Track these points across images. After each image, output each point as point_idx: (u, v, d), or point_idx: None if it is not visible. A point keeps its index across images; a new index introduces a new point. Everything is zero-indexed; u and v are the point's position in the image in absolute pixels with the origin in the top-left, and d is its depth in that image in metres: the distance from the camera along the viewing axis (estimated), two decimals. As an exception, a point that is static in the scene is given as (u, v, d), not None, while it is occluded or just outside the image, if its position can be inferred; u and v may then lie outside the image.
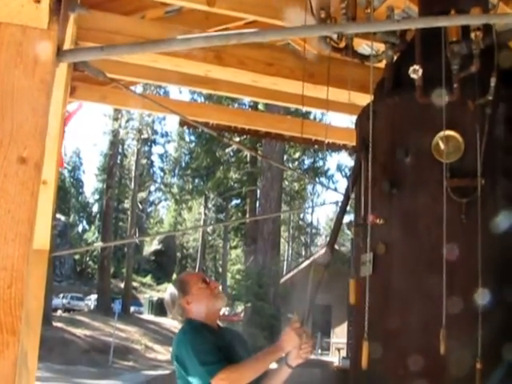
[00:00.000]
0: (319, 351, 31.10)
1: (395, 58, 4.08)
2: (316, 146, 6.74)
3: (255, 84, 5.32)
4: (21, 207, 1.45)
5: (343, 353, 21.77)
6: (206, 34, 1.64)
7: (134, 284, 58.51)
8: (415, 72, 3.53)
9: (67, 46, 2.30)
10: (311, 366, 5.95)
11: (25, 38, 1.47)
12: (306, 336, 3.65)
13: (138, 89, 17.30)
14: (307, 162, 41.91)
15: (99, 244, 52.47)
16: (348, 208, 4.93)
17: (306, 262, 28.48)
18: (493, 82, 3.42)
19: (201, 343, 3.53)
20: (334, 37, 4.23)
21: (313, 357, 22.57)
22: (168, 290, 3.91)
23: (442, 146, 3.57)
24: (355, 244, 4.38)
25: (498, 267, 3.51)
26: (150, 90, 30.57)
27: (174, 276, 67.21)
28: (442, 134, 3.54)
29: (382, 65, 4.21)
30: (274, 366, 3.60)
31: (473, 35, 3.41)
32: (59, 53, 1.55)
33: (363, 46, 5.20)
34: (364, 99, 4.56)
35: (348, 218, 4.60)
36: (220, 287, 3.89)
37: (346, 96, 5.06)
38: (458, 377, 3.34)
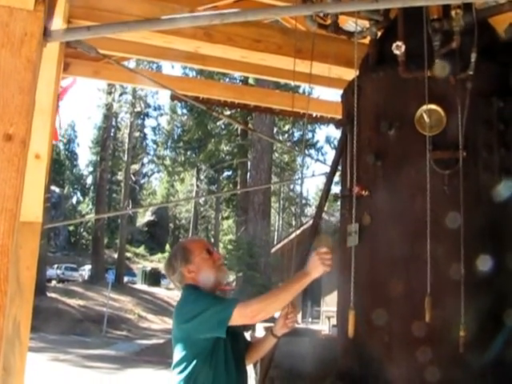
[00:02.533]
0: (309, 320, 31.28)
1: (379, 34, 4.09)
2: (304, 119, 6.74)
3: (244, 60, 5.33)
4: (6, 183, 1.46)
5: (333, 321, 21.91)
6: (191, 14, 1.66)
7: (128, 254, 58.62)
8: (398, 48, 3.55)
9: (59, 24, 2.30)
10: (300, 334, 6.00)
11: (11, 19, 1.48)
12: (292, 306, 3.68)
13: (131, 64, 17.20)
14: (297, 134, 41.87)
15: (92, 216, 52.43)
16: (336, 179, 4.97)
17: (296, 232, 28.54)
18: (473, 57, 3.44)
19: (208, 295, 3.53)
20: (321, 14, 4.24)
21: (303, 325, 22.73)
22: (169, 255, 3.83)
23: (424, 119, 3.59)
24: (342, 215, 4.42)
25: (479, 236, 3.55)
26: (142, 66, 30.43)
27: (167, 247, 67.41)
28: (424, 107, 3.57)
29: (367, 41, 4.23)
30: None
31: (453, 13, 3.43)
32: (46, 33, 1.56)
33: (349, 23, 5.20)
34: (350, 74, 4.58)
35: (337, 188, 4.63)
36: (222, 259, 3.81)
37: (333, 71, 5.08)
38: (443, 343, 3.40)
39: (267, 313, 3.34)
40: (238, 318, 3.29)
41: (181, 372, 3.45)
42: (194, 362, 3.40)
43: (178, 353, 3.48)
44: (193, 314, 3.37)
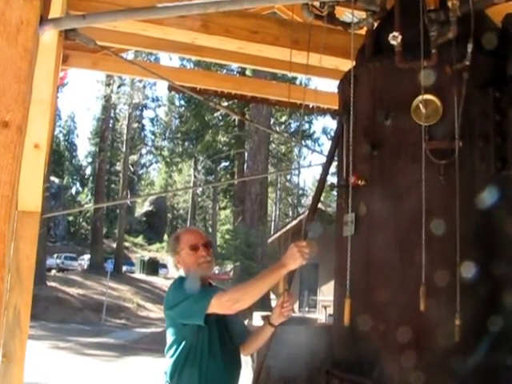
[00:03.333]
0: (306, 309, 31.32)
1: (376, 25, 4.07)
2: (301, 109, 6.73)
3: (241, 51, 5.31)
4: (3, 170, 1.44)
5: (329, 310, 21.96)
6: (186, 3, 1.64)
7: (126, 244, 58.67)
8: (395, 38, 3.53)
9: (57, 14, 2.28)
10: (296, 323, 6.01)
11: (7, 8, 1.46)
12: (288, 295, 3.68)
13: (130, 55, 17.17)
14: (293, 125, 41.82)
15: (91, 205, 52.46)
16: (333, 170, 4.95)
17: (293, 223, 28.53)
18: (469, 47, 3.42)
19: (194, 284, 3.54)
20: (317, 5, 4.22)
21: (299, 314, 22.77)
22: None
23: (421, 109, 3.57)
24: (338, 205, 4.41)
25: (474, 226, 3.54)
26: (141, 57, 30.40)
27: (165, 236, 67.47)
28: (420, 97, 3.55)
29: (364, 32, 4.21)
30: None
31: (450, 3, 3.41)
32: (42, 21, 1.54)
33: (346, 14, 5.18)
34: (346, 65, 4.56)
35: (333, 179, 4.62)
36: (208, 256, 3.77)
37: (329, 62, 5.06)
38: (437, 332, 3.39)
39: (244, 302, 3.36)
40: (215, 307, 3.35)
41: (171, 356, 3.55)
42: (181, 346, 3.51)
43: (169, 338, 3.60)
44: (175, 301, 3.48)
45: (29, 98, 1.52)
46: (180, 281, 3.65)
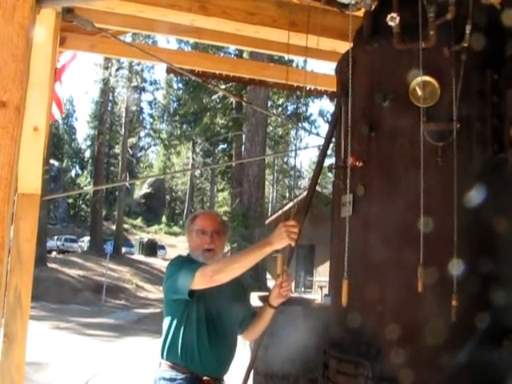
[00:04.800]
0: (302, 289, 31.43)
1: (373, 6, 4.02)
2: (298, 92, 6.72)
3: (238, 33, 5.26)
4: (1, 151, 1.41)
5: (325, 291, 22.03)
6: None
7: (125, 226, 58.80)
8: (393, 20, 3.49)
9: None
10: (293, 303, 6.01)
11: (3, -15, 1.42)
12: (287, 276, 3.67)
13: (128, 38, 17.06)
14: (290, 107, 41.77)
15: (91, 187, 52.45)
16: (329, 152, 4.93)
17: (290, 204, 28.55)
18: (468, 29, 3.38)
19: (189, 261, 3.66)
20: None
21: (295, 295, 22.85)
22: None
23: (418, 91, 3.54)
24: (336, 186, 4.38)
25: (471, 206, 3.52)
26: (138, 40, 30.25)
27: (164, 218, 67.57)
28: (418, 79, 3.51)
29: (361, 13, 4.16)
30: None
31: (448, -16, 3.37)
32: (39, -1, 1.51)
33: (344, -4, 5.13)
34: (344, 47, 4.52)
35: (329, 161, 4.58)
36: (213, 244, 3.77)
37: (327, 44, 5.02)
38: (434, 313, 3.38)
39: (225, 274, 3.37)
40: (198, 279, 3.37)
41: (165, 335, 3.62)
42: (169, 323, 3.59)
43: (164, 312, 3.71)
44: (166, 276, 3.61)
45: (26, 78, 1.49)
46: (177, 258, 3.78)
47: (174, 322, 3.57)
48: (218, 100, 37.87)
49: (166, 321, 3.64)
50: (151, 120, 64.55)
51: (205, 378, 3.52)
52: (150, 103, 64.89)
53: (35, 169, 3.71)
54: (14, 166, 1.45)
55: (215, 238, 3.77)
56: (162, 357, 3.59)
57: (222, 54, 28.70)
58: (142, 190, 71.55)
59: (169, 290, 3.59)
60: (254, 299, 5.92)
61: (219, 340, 3.61)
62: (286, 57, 5.56)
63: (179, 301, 3.53)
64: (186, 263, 3.60)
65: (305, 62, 4.77)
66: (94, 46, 6.09)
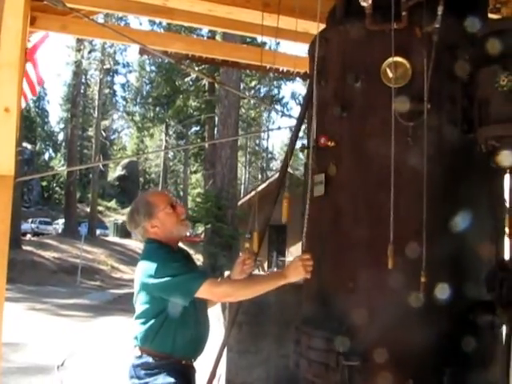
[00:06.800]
0: (275, 269, 31.51)
1: (346, -14, 3.99)
2: (271, 74, 6.69)
3: (211, 13, 5.21)
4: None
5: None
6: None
7: (100, 208, 58.47)
8: (365, 0, 3.47)
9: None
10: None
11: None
12: (250, 253, 3.67)
13: (100, 20, 16.85)
14: (263, 90, 41.69)
15: (65, 168, 52.02)
16: (302, 134, 4.91)
17: (262, 186, 28.56)
18: (440, 10, 3.37)
19: (173, 258, 3.45)
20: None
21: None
22: (131, 208, 3.70)
23: (390, 71, 3.53)
24: (308, 166, 4.37)
25: (441, 186, 3.53)
26: (111, 22, 29.94)
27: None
28: (390, 60, 3.50)
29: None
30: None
31: (420, -35, 3.35)
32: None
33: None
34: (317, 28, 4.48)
35: (301, 142, 4.57)
36: (185, 212, 3.72)
37: (299, 25, 4.98)
38: (403, 289, 3.39)
39: (235, 298, 3.44)
40: (205, 293, 3.26)
41: (144, 323, 3.44)
42: (156, 315, 3.39)
43: (142, 304, 3.46)
44: (160, 274, 3.29)
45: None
46: (158, 248, 3.51)
47: (162, 316, 3.37)
48: (190, 82, 37.74)
49: (150, 312, 3.41)
50: (124, 102, 64.28)
51: (183, 361, 3.47)
52: (122, 86, 64.82)
53: (8, 150, 3.63)
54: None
55: (181, 206, 3.70)
56: (143, 345, 3.44)
57: (194, 36, 28.51)
58: (115, 172, 71.07)
59: (162, 290, 3.31)
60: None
61: (200, 323, 3.55)
62: (260, 38, 5.50)
63: (160, 299, 3.38)
64: (173, 260, 3.42)
65: (277, 43, 4.74)
66: (66, 26, 5.97)
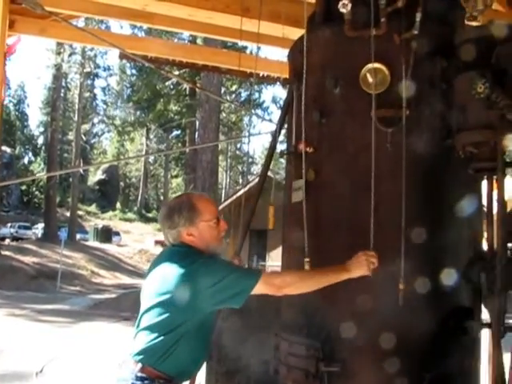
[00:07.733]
0: (256, 273, 31.47)
1: (326, -8, 4.00)
2: (251, 78, 6.69)
3: (191, 18, 5.21)
4: None
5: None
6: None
7: (80, 213, 58.18)
8: (344, 6, 3.48)
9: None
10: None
11: None
12: (236, 258, 3.64)
13: (81, 23, 16.79)
14: (244, 94, 41.77)
15: (44, 173, 51.69)
16: (282, 138, 4.92)
17: (243, 190, 28.56)
18: (418, 17, 3.40)
19: (221, 260, 3.27)
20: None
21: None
22: (172, 206, 3.30)
23: (369, 77, 3.54)
24: (287, 171, 4.38)
25: (420, 189, 3.55)
26: (91, 25, 29.85)
27: (118, 205, 67.00)
28: (369, 66, 3.51)
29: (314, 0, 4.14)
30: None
31: (399, -28, 3.38)
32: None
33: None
34: (297, 33, 4.50)
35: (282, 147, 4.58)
36: (226, 230, 3.40)
37: (279, 31, 5.00)
38: (383, 296, 3.40)
39: (296, 288, 3.17)
40: (263, 286, 3.02)
41: (154, 338, 3.03)
42: (176, 329, 3.01)
43: (156, 317, 3.05)
44: (212, 275, 2.99)
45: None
46: (203, 254, 3.16)
47: (181, 330, 3.00)
48: (171, 86, 37.74)
49: (162, 321, 3.01)
50: (105, 106, 64.09)
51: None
52: (103, 89, 64.39)
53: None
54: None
55: (224, 221, 3.40)
56: (153, 363, 3.00)
57: (175, 40, 28.49)
58: (96, 176, 70.79)
59: (214, 296, 2.98)
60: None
61: (208, 346, 3.31)
62: (240, 43, 5.51)
63: (197, 309, 3.01)
64: (226, 263, 3.25)
65: (258, 48, 4.75)
66: (45, 30, 5.93)
